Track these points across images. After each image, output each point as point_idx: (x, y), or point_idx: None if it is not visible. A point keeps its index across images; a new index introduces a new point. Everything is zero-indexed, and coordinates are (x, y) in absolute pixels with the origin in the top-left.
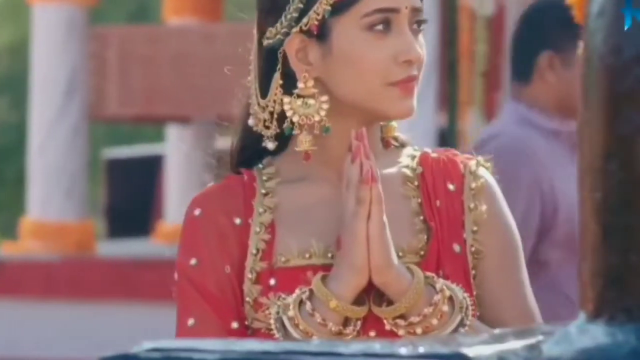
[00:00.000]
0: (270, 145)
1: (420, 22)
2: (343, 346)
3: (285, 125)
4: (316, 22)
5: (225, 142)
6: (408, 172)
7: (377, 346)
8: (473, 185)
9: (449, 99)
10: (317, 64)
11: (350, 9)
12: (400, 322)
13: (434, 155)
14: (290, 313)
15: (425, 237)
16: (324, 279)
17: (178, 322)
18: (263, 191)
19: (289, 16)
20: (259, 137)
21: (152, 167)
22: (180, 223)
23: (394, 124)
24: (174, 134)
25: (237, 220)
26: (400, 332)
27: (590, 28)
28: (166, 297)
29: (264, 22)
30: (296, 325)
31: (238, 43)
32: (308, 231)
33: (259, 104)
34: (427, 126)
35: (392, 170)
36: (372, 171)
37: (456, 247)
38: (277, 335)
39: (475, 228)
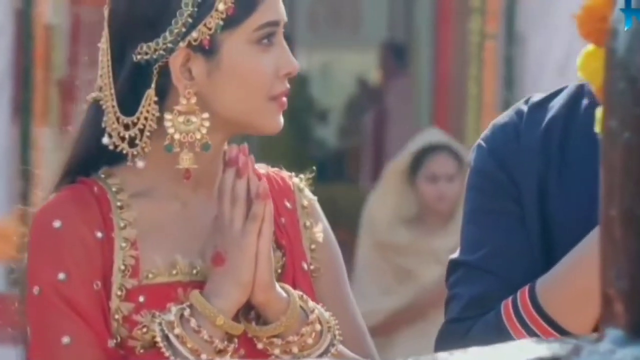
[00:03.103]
0: (140, 164)
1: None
2: None
3: (167, 142)
4: (208, 37)
5: None
6: None
7: None
8: (305, 203)
9: (22, 108)
10: (200, 79)
11: (242, 23)
12: (277, 341)
13: (262, 171)
14: (177, 331)
15: (280, 254)
16: (201, 295)
17: (46, 341)
18: (118, 204)
19: (175, 30)
20: (103, 151)
21: None
22: None
23: None
24: None
25: (99, 234)
26: (276, 351)
27: (624, 41)
28: None
29: (134, 37)
30: (184, 343)
31: None
32: (171, 247)
33: (118, 121)
34: (2, 137)
35: None
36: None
37: (304, 265)
38: (167, 354)
39: (313, 246)
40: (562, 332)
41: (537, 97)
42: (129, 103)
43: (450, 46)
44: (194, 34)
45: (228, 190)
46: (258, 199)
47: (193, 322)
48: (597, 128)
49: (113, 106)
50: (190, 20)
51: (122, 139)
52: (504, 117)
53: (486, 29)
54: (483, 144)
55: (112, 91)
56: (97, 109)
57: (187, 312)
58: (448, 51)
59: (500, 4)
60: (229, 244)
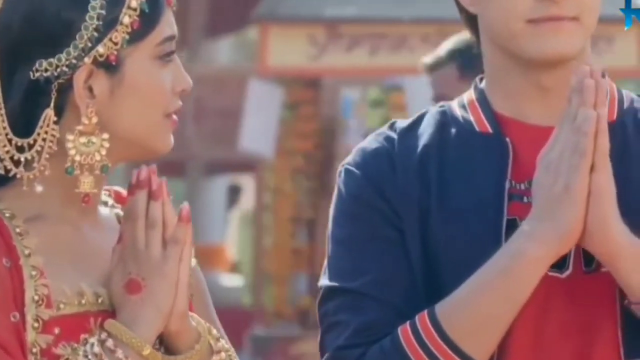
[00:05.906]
0: (39, 188)
1: None
2: None
3: (68, 165)
4: (115, 52)
5: None
6: (119, 211)
7: None
8: None
9: None
10: (102, 97)
11: (145, 38)
12: None
13: (125, 193)
14: None
15: None
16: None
17: None
18: (17, 230)
19: (80, 45)
20: None
21: None
22: None
23: None
24: None
25: (6, 262)
26: None
27: None
28: None
29: (31, 53)
30: None
31: None
32: (75, 275)
33: (10, 143)
34: None
35: (106, 211)
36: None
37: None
38: None
39: None
40: (465, 357)
41: (402, 123)
42: (22, 123)
43: None
44: (100, 49)
45: (142, 213)
46: (181, 222)
47: (120, 353)
48: None
49: (4, 127)
50: (95, 34)
51: (16, 162)
52: (371, 142)
53: None
54: (354, 169)
55: (3, 111)
56: None
57: (110, 343)
58: None
59: None
60: (147, 270)
